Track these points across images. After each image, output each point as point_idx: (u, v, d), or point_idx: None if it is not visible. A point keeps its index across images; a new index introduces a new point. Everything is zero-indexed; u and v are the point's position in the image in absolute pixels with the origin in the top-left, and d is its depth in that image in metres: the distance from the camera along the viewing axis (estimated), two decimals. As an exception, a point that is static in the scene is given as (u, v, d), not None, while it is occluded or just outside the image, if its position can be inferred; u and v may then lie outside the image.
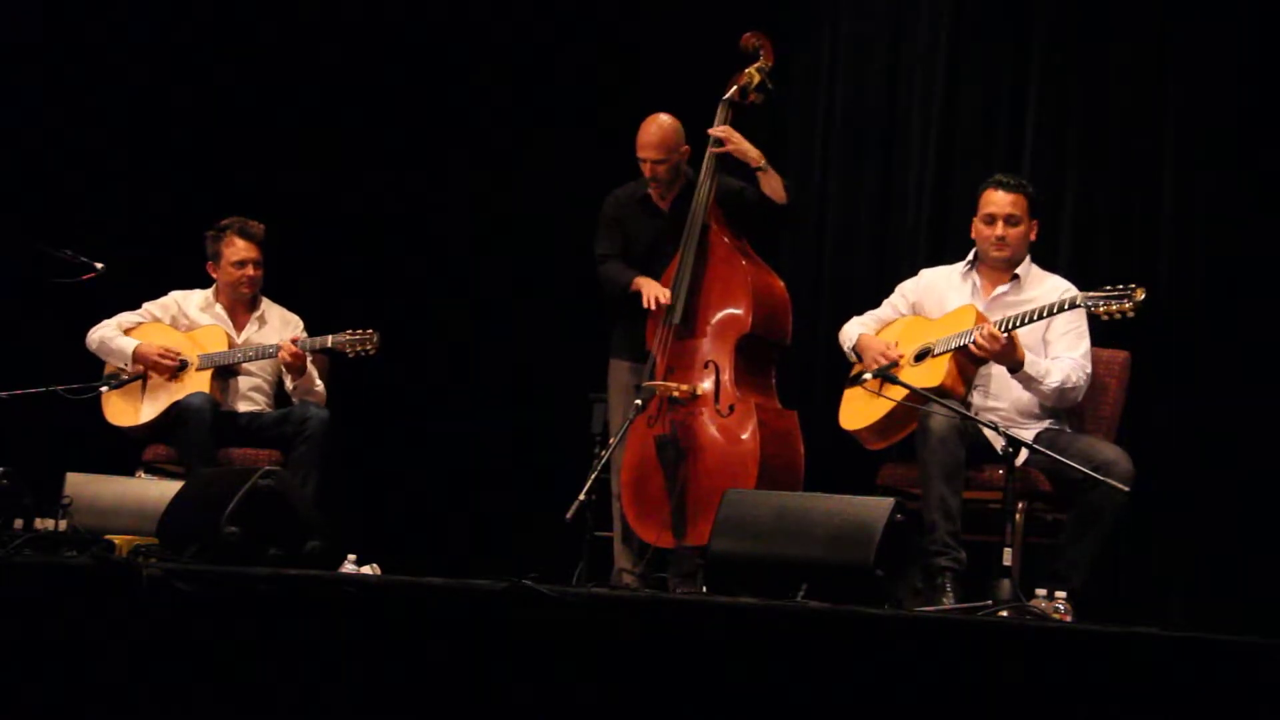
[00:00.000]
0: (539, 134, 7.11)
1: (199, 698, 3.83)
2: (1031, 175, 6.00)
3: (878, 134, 6.63)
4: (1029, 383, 4.94)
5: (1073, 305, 4.81)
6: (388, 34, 7.26)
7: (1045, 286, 5.10)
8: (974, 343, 4.88)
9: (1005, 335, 4.85)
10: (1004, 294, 5.12)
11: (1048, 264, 5.29)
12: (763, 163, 5.61)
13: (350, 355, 5.81)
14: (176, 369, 5.89)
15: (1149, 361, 5.47)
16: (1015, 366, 4.91)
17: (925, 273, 5.38)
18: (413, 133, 7.24)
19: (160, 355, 5.89)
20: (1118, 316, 4.67)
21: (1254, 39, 5.96)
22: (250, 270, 6.02)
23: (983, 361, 4.99)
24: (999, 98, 6.41)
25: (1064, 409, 5.05)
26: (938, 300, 5.23)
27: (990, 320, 4.95)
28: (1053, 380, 4.92)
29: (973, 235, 5.19)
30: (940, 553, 4.74)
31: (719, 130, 5.61)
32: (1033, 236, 5.15)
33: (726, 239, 5.62)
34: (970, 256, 5.21)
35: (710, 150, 5.62)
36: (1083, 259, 6.04)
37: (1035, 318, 4.87)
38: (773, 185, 5.62)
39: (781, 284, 5.66)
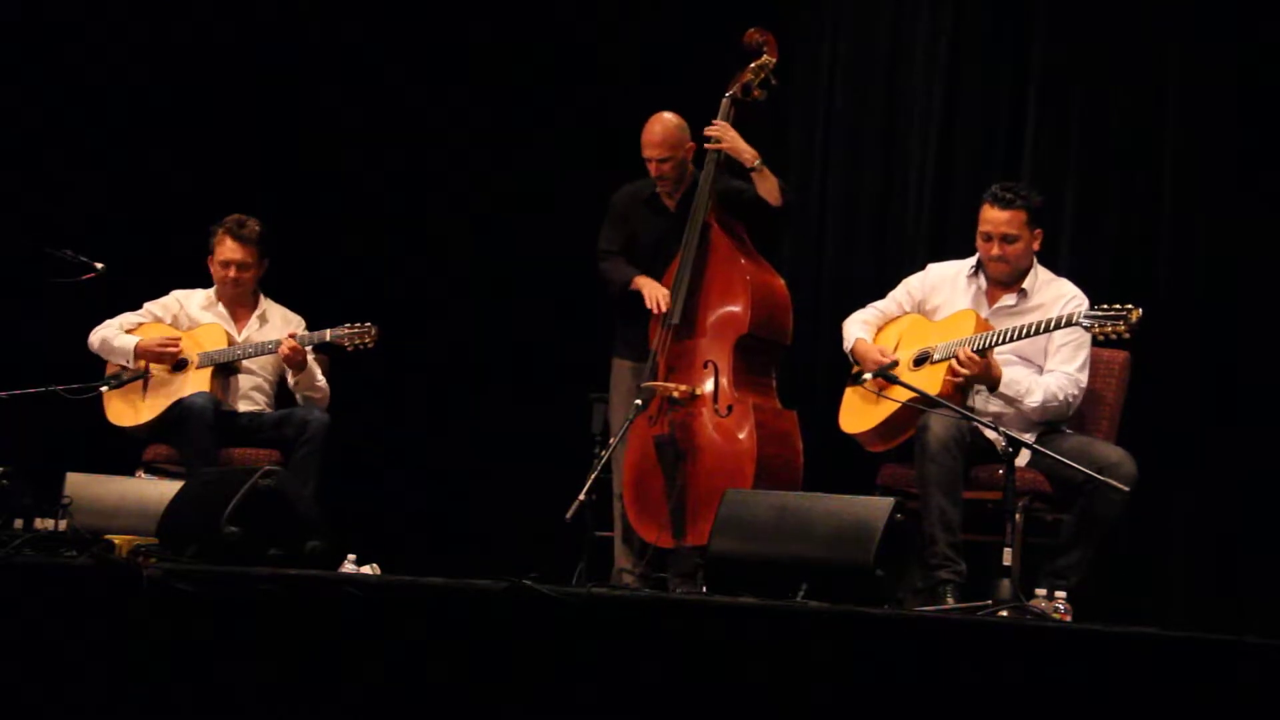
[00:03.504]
0: (541, 131, 7.10)
1: (199, 698, 3.83)
2: (1031, 176, 6.02)
3: (878, 134, 6.63)
4: (1009, 402, 4.95)
5: (1070, 323, 4.82)
6: (389, 31, 7.26)
7: (1052, 295, 5.08)
8: (954, 363, 4.88)
9: (980, 357, 4.85)
10: (1009, 306, 5.10)
11: (1048, 266, 5.27)
12: (757, 162, 5.58)
13: (349, 349, 5.81)
14: (180, 359, 5.89)
15: (1149, 361, 5.47)
16: (992, 386, 4.93)
17: (932, 268, 5.35)
18: (413, 130, 7.24)
19: (161, 346, 5.89)
20: (1114, 337, 4.70)
21: (1254, 39, 5.96)
22: (233, 272, 6.00)
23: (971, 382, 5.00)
24: (999, 98, 6.41)
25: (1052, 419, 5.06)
26: (943, 301, 5.21)
27: (994, 329, 4.96)
28: (1033, 400, 4.93)
29: (976, 245, 5.17)
30: (941, 565, 4.74)
31: (714, 128, 5.61)
32: (1036, 247, 5.12)
33: (727, 238, 5.61)
34: (976, 260, 5.18)
35: (708, 147, 5.62)
36: (1083, 261, 6.03)
37: (1033, 332, 4.87)
38: (767, 187, 5.60)
39: (782, 283, 5.65)
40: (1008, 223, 5.06)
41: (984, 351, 4.89)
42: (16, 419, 5.50)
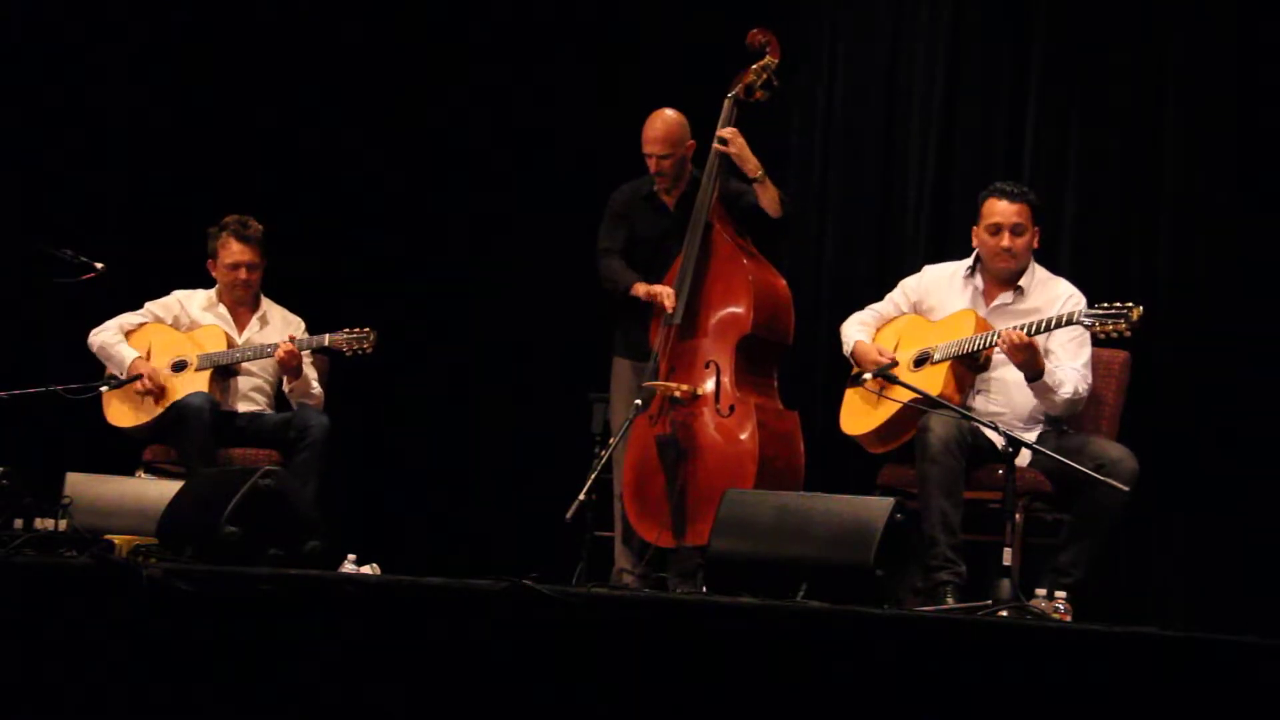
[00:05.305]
0: (540, 131, 7.10)
1: (199, 698, 3.83)
2: (1031, 177, 6.03)
3: (878, 134, 6.63)
4: (1044, 392, 4.93)
5: (1071, 321, 4.82)
6: (389, 33, 7.26)
7: (1049, 294, 5.09)
8: (1000, 343, 4.86)
9: (1030, 339, 4.84)
10: (1007, 303, 5.11)
11: (1048, 266, 5.28)
12: (760, 174, 5.58)
13: (347, 354, 5.81)
14: (179, 360, 5.89)
15: (1149, 361, 5.47)
16: (1036, 374, 4.91)
17: (929, 270, 5.36)
18: (413, 131, 7.24)
19: (146, 382, 5.85)
20: (1114, 335, 4.70)
21: (1254, 40, 5.96)
22: (243, 274, 6.01)
23: (983, 368, 4.99)
24: (999, 99, 6.41)
25: (1064, 416, 5.05)
26: (939, 301, 5.22)
27: (993, 328, 4.96)
28: (1065, 391, 4.92)
29: (975, 244, 5.17)
30: (941, 567, 4.75)
31: (726, 131, 5.60)
32: (1035, 244, 5.13)
33: (729, 238, 5.61)
34: (972, 260, 5.19)
35: (714, 149, 5.62)
36: (1083, 261, 6.04)
37: (1034, 331, 4.86)
38: (769, 198, 5.60)
39: (784, 283, 5.65)
40: (1018, 214, 5.07)
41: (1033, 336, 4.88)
42: (16, 419, 5.50)
